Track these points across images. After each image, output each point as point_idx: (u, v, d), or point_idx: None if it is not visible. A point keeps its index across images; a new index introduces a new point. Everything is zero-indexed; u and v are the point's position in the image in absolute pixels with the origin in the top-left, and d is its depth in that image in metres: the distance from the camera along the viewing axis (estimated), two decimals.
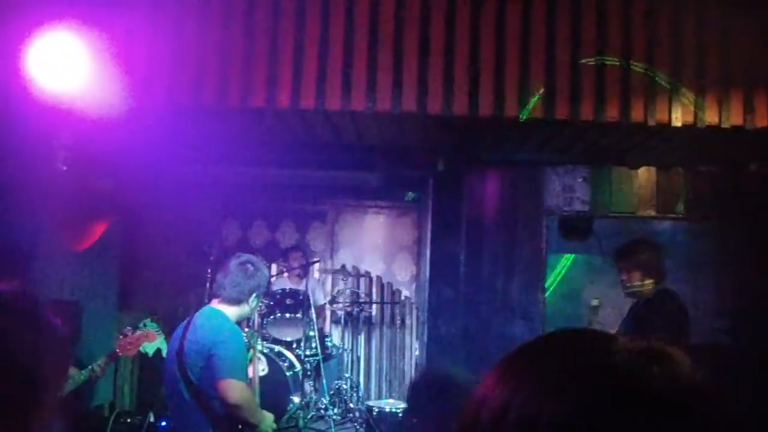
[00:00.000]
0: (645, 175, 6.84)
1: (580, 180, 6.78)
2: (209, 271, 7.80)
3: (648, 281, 4.99)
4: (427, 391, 3.54)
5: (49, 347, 1.29)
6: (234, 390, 3.74)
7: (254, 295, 4.08)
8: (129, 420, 6.55)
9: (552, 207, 6.77)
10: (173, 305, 8.34)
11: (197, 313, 4.14)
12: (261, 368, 4.74)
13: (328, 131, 6.04)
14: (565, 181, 6.76)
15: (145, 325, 4.94)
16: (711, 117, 5.33)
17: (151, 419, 6.44)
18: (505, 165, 6.74)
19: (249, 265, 4.10)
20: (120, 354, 4.77)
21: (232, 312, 4.03)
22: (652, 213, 6.87)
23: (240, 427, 3.89)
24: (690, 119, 5.32)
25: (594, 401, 0.74)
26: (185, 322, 4.11)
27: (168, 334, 7.47)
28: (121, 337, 4.81)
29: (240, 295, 4.04)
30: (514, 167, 6.73)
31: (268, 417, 4.13)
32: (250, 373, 4.22)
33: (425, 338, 7.27)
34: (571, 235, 6.98)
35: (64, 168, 6.18)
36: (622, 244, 5.27)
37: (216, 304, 4.07)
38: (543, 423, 0.74)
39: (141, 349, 7.46)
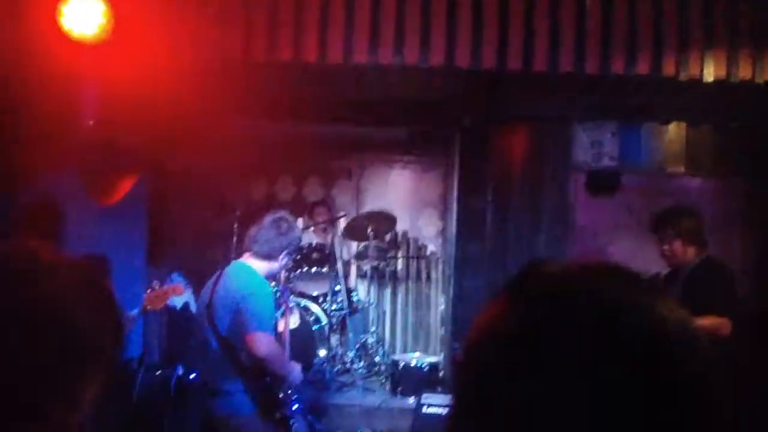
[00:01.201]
0: (675, 131, 6.76)
1: (609, 135, 6.72)
2: (236, 226, 7.84)
3: (690, 249, 4.87)
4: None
5: (110, 318, 1.30)
6: (261, 343, 3.79)
7: (285, 252, 4.11)
8: (158, 372, 6.63)
9: (580, 163, 6.72)
10: (200, 260, 8.40)
11: (227, 267, 4.18)
12: (293, 320, 4.77)
13: (355, 86, 6.01)
14: (594, 136, 6.70)
15: (172, 279, 4.99)
16: (744, 72, 5.23)
17: (180, 372, 6.51)
18: (533, 120, 6.67)
19: (283, 223, 4.13)
20: (148, 307, 4.82)
21: (261, 267, 4.06)
22: (681, 170, 6.81)
23: (269, 379, 3.94)
24: (722, 74, 5.22)
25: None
26: (215, 275, 4.15)
27: (195, 289, 7.59)
28: (148, 290, 4.85)
29: (271, 251, 4.07)
30: (542, 122, 6.66)
31: (297, 369, 4.18)
32: (281, 326, 4.27)
33: (451, 293, 7.30)
34: (598, 192, 6.93)
35: (91, 123, 6.21)
36: (661, 212, 5.11)
37: (246, 259, 4.11)
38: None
39: (168, 302, 7.56)
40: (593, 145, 6.69)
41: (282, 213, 4.28)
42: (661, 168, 6.86)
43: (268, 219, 4.15)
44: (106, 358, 1.27)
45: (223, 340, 3.90)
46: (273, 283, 4.86)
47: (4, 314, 1.14)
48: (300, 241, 4.38)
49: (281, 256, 4.10)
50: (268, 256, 4.07)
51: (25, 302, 1.16)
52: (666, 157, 6.87)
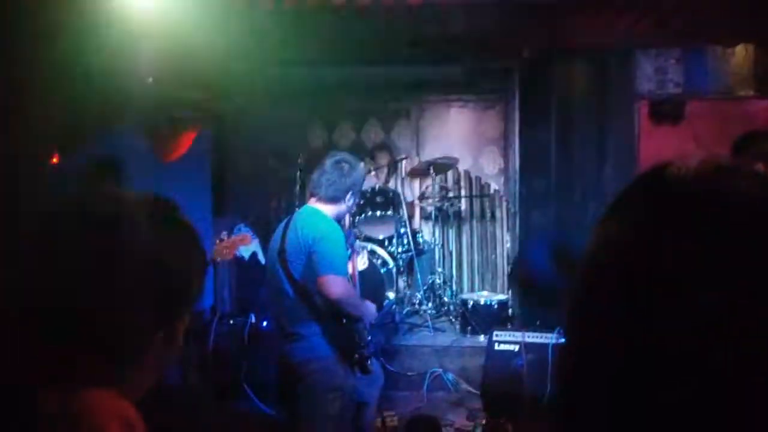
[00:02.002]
0: (742, 53, 6.54)
1: (672, 62, 6.54)
2: (298, 174, 7.88)
3: None
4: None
5: (196, 257, 1.31)
6: (335, 285, 3.81)
7: (350, 193, 4.11)
8: (231, 322, 6.76)
9: (644, 91, 6.56)
10: (265, 210, 8.49)
11: (296, 213, 4.21)
12: (361, 262, 4.79)
13: (411, 24, 5.93)
14: (657, 63, 6.53)
15: (240, 230, 5.03)
16: None
17: (253, 320, 6.63)
18: (594, 49, 6.52)
19: (344, 164, 4.12)
20: (218, 258, 4.88)
21: (329, 210, 4.07)
22: (750, 93, 6.60)
23: (344, 321, 3.98)
24: None
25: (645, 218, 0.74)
26: (285, 221, 4.18)
27: (261, 238, 7.67)
28: (217, 241, 4.91)
29: (336, 193, 4.07)
30: (604, 52, 6.50)
31: (371, 308, 4.21)
32: (350, 268, 4.28)
33: (517, 230, 7.26)
34: (662, 120, 6.77)
35: (151, 80, 6.25)
36: (742, 135, 4.93)
37: (314, 203, 4.12)
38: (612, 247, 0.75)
39: (237, 252, 7.66)
40: (657, 72, 6.53)
41: (342, 154, 4.27)
42: (728, 92, 6.66)
43: (329, 162, 4.14)
44: (192, 297, 1.29)
45: (298, 285, 3.94)
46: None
47: (100, 256, 1.16)
48: (364, 180, 4.37)
49: (347, 197, 4.10)
50: (334, 199, 4.08)
51: (120, 244, 1.18)
52: (733, 81, 6.66)
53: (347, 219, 7.03)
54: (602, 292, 0.75)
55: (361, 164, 4.34)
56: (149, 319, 1.21)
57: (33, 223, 1.23)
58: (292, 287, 3.96)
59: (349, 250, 4.47)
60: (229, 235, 4.99)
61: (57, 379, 1.13)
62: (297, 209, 4.39)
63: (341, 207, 4.13)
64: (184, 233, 1.29)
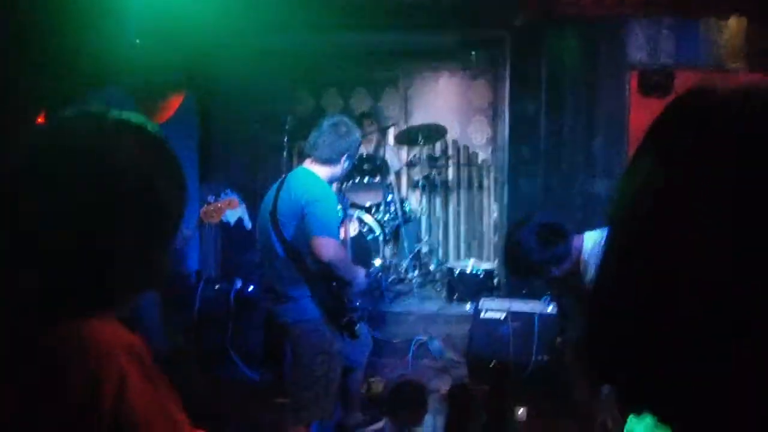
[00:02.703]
0: (734, 26, 6.52)
1: (664, 32, 6.51)
2: (285, 140, 7.84)
3: None
4: None
5: (179, 182, 1.30)
6: (327, 247, 3.80)
7: (345, 155, 4.09)
8: (217, 286, 6.74)
9: (634, 61, 6.54)
10: (252, 175, 8.44)
11: (290, 173, 4.18)
12: (352, 228, 4.79)
13: None
14: (649, 33, 6.50)
15: (227, 194, 5.00)
16: None
17: (239, 285, 6.61)
18: (586, 18, 6.48)
19: (342, 126, 4.10)
20: (204, 220, 4.85)
21: (323, 172, 4.05)
22: (741, 66, 6.58)
23: (334, 284, 3.97)
24: None
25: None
26: (278, 182, 4.16)
27: (248, 203, 7.64)
28: (204, 204, 4.88)
29: (332, 155, 4.05)
30: (596, 20, 6.47)
31: (362, 272, 4.21)
32: (342, 233, 4.27)
33: (505, 199, 7.26)
34: (651, 92, 6.76)
35: (138, 41, 6.18)
36: None
37: (308, 165, 4.10)
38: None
39: (223, 218, 7.62)
40: (648, 42, 6.50)
41: (339, 117, 4.26)
42: (719, 65, 6.64)
43: (326, 123, 4.12)
44: (179, 217, 1.28)
45: (289, 246, 3.92)
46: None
47: (87, 179, 1.15)
48: (359, 143, 4.34)
49: (342, 160, 4.08)
50: (329, 161, 4.05)
51: (110, 168, 1.18)
52: (725, 54, 6.64)
53: (335, 186, 7.02)
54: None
55: (358, 129, 4.32)
56: (143, 240, 1.21)
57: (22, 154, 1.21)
58: (283, 248, 3.95)
59: (342, 215, 4.46)
60: (216, 199, 4.95)
61: (56, 311, 1.11)
62: (284, 174, 4.36)
63: (336, 169, 4.10)
64: (166, 156, 1.29)
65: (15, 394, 1.09)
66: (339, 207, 4.27)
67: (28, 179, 1.15)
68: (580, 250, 3.60)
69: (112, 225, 1.16)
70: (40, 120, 5.24)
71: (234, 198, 4.97)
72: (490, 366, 5.39)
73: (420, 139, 7.76)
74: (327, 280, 3.94)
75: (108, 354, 1.10)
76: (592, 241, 3.61)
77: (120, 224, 1.17)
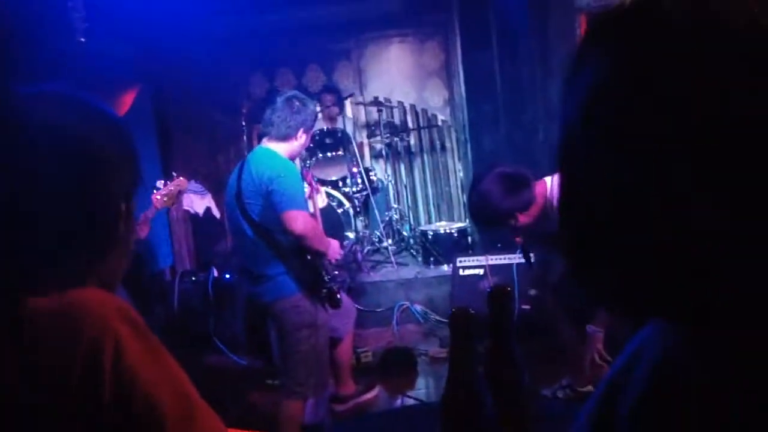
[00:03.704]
0: None
1: None
2: (243, 124, 7.79)
3: None
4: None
5: (128, 148, 1.29)
6: (297, 220, 3.78)
7: (302, 129, 4.06)
8: (194, 278, 6.71)
9: (582, 4, 6.53)
10: (214, 163, 8.38)
11: (249, 155, 4.15)
12: (320, 200, 4.77)
13: None
14: None
15: (174, 175, 4.93)
16: None
17: (215, 274, 6.59)
18: None
19: (295, 101, 4.07)
20: (158, 207, 4.79)
21: (282, 149, 4.02)
22: None
23: (309, 257, 3.95)
24: None
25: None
26: (238, 165, 4.13)
27: (213, 192, 7.59)
28: (154, 191, 4.82)
29: (288, 131, 4.02)
30: None
31: (335, 243, 4.20)
32: (311, 207, 4.26)
33: (469, 157, 7.28)
34: None
35: (83, 40, 6.08)
36: None
37: (266, 143, 4.07)
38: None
39: (190, 208, 7.56)
40: None
41: (293, 92, 4.22)
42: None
43: (279, 99, 4.09)
44: (130, 184, 1.28)
45: (258, 226, 3.90)
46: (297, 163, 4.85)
47: (39, 144, 1.14)
48: (315, 116, 4.31)
49: (299, 134, 4.05)
50: (286, 137, 4.02)
51: (56, 133, 1.16)
52: None
53: (297, 163, 6.99)
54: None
55: (312, 101, 4.29)
56: (110, 197, 1.22)
57: None
58: (252, 229, 3.93)
59: (308, 188, 4.44)
60: (164, 184, 4.89)
61: (37, 285, 1.10)
62: (243, 159, 4.33)
63: (293, 144, 4.07)
64: (108, 120, 1.27)
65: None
66: (305, 183, 4.25)
67: None
68: (544, 195, 3.63)
69: (76, 188, 1.16)
70: None
71: (182, 178, 4.91)
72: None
73: (377, 108, 7.75)
74: (301, 254, 3.92)
75: (103, 317, 1.07)
76: (554, 184, 3.63)
77: (83, 186, 1.17)
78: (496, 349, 1.46)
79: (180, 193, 4.92)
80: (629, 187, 0.67)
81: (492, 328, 1.47)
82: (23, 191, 1.11)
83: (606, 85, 0.71)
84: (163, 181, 4.86)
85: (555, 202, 3.24)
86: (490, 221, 3.79)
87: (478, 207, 3.68)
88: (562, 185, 0.78)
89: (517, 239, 3.91)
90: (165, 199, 4.75)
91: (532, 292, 5.39)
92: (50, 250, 1.13)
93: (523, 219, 3.61)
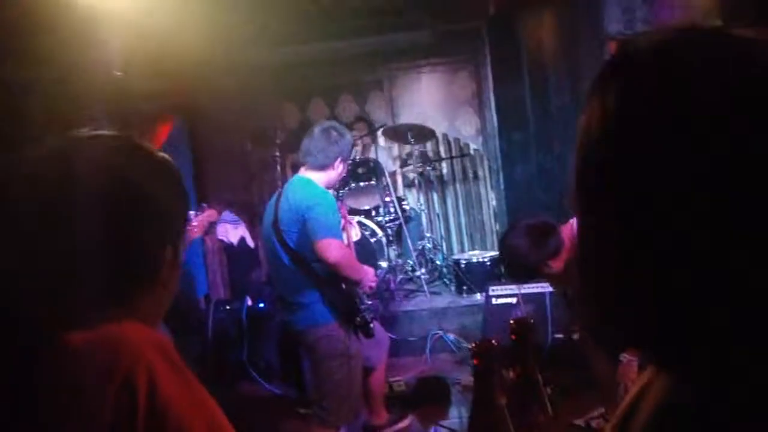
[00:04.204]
0: None
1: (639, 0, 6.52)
2: (277, 155, 7.87)
3: None
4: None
5: (182, 197, 1.34)
6: (331, 248, 3.83)
7: (339, 159, 4.13)
8: (228, 307, 6.75)
9: (612, 32, 6.55)
10: (247, 193, 8.48)
11: (287, 183, 4.23)
12: (355, 232, 4.82)
13: None
14: (625, 3, 6.51)
15: (203, 206, 4.97)
16: None
17: (249, 303, 6.63)
18: None
19: (332, 131, 4.14)
20: (189, 239, 4.82)
21: (319, 178, 4.09)
22: (717, 23, 6.61)
23: (343, 286, 4.00)
24: None
25: None
26: (276, 194, 4.20)
27: (247, 222, 7.66)
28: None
29: (325, 161, 4.09)
30: None
31: (370, 271, 4.24)
32: (345, 239, 4.30)
33: (501, 185, 7.29)
34: None
35: (119, 74, 6.21)
36: None
37: (303, 173, 4.15)
38: None
39: (224, 238, 7.62)
40: (625, 12, 6.51)
41: (330, 123, 4.32)
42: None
43: (317, 130, 4.17)
44: (177, 228, 1.33)
45: (294, 254, 3.96)
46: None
47: (89, 188, 1.18)
48: (352, 146, 4.38)
49: (336, 164, 4.12)
50: (323, 166, 4.10)
51: (112, 181, 1.21)
52: (699, 16, 6.67)
53: (332, 193, 7.05)
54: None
55: (349, 132, 4.37)
56: (157, 243, 1.26)
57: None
58: (288, 257, 3.98)
59: (342, 221, 4.49)
60: (195, 214, 4.94)
61: (77, 321, 1.13)
62: (280, 187, 4.41)
63: (331, 174, 4.14)
64: (162, 165, 1.32)
65: (35, 415, 1.10)
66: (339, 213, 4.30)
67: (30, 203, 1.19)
68: (571, 237, 3.65)
69: (125, 234, 1.20)
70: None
71: (212, 210, 4.96)
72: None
73: (410, 138, 7.78)
74: (336, 283, 3.97)
75: (138, 350, 1.10)
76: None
77: (131, 232, 1.21)
78: (518, 379, 1.48)
79: (211, 224, 4.97)
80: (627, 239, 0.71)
81: (515, 359, 1.49)
82: (67, 229, 1.16)
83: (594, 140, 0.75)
84: (193, 213, 4.93)
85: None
86: (525, 274, 3.82)
87: (510, 263, 3.74)
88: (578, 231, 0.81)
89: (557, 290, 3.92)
90: (195, 229, 4.80)
91: (576, 336, 5.38)
92: (89, 289, 1.17)
93: (556, 265, 3.63)
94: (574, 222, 3.68)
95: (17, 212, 1.19)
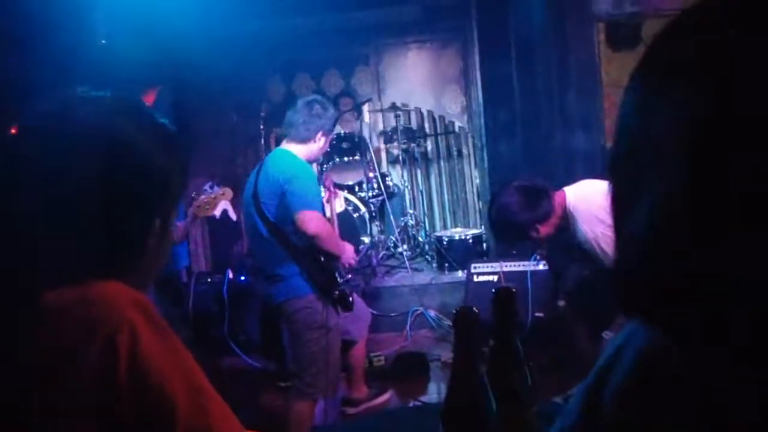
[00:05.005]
0: None
1: None
2: (261, 128, 7.83)
3: None
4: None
5: (178, 157, 1.31)
6: (311, 221, 3.81)
7: (321, 132, 4.10)
8: (209, 280, 6.73)
9: (601, 12, 6.53)
10: (232, 165, 8.43)
11: (267, 156, 4.21)
12: (339, 204, 4.81)
13: None
14: None
15: (207, 189, 4.92)
16: None
17: (230, 276, 6.62)
18: None
19: (316, 105, 4.12)
20: (198, 215, 4.78)
21: (300, 151, 4.07)
22: None
23: (322, 259, 3.98)
24: None
25: None
26: (257, 166, 4.18)
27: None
28: (199, 198, 4.80)
29: (307, 133, 4.07)
30: None
31: (349, 248, 4.24)
32: (328, 211, 4.29)
33: (485, 163, 7.28)
34: (620, 46, 6.74)
35: (103, 42, 6.14)
36: None
37: (285, 145, 4.13)
38: None
39: (217, 209, 7.58)
40: None
41: (314, 96, 4.30)
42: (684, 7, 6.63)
43: (300, 102, 4.16)
44: (172, 199, 1.30)
45: (273, 226, 3.94)
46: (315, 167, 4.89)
47: (85, 146, 1.17)
48: (335, 120, 4.36)
49: (318, 137, 4.10)
50: (305, 139, 4.07)
51: (105, 138, 1.19)
52: None
53: (315, 167, 7.02)
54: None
55: (333, 106, 4.35)
56: (148, 211, 1.24)
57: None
58: (267, 229, 3.97)
59: (326, 193, 4.48)
60: (197, 195, 4.89)
61: (63, 277, 1.12)
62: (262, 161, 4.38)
63: (312, 147, 4.12)
64: (162, 130, 1.31)
65: (22, 365, 1.10)
66: (323, 187, 4.30)
67: (37, 155, 1.17)
68: (563, 205, 3.65)
69: (115, 196, 1.19)
70: (13, 131, 5.22)
71: (227, 189, 4.90)
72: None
73: (395, 113, 7.77)
74: (314, 256, 3.95)
75: (119, 309, 1.10)
76: (573, 194, 3.66)
77: (122, 196, 1.20)
78: (499, 349, 1.48)
79: (220, 203, 4.90)
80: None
81: (496, 329, 1.49)
82: (54, 187, 1.14)
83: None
84: (209, 184, 4.87)
85: (575, 212, 3.26)
86: (512, 235, 3.83)
87: (498, 221, 3.73)
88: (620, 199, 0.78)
89: (540, 252, 3.93)
90: (207, 206, 4.73)
91: (561, 303, 5.39)
92: (73, 250, 1.16)
93: (544, 230, 3.64)
94: (568, 190, 3.69)
95: (9, 164, 1.18)
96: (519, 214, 3.58)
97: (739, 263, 0.64)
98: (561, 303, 5.39)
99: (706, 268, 0.65)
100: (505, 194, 3.63)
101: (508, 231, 3.80)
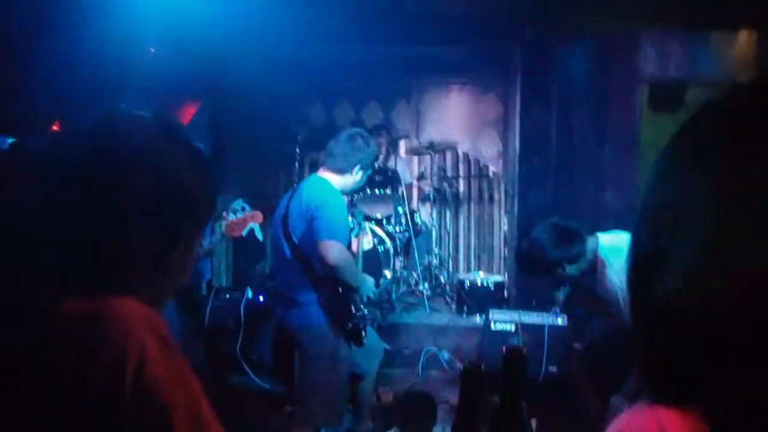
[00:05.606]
0: (745, 38, 6.52)
1: (675, 44, 6.51)
2: (297, 151, 7.88)
3: None
4: None
5: (207, 179, 1.33)
6: (333, 250, 3.83)
7: (359, 166, 4.14)
8: (228, 296, 6.76)
9: (645, 73, 6.54)
10: (263, 186, 8.47)
11: (303, 181, 4.27)
12: (367, 241, 4.83)
13: (413, 3, 5.92)
14: (660, 46, 6.50)
15: (236, 206, 4.96)
16: None
17: (249, 295, 6.63)
18: (596, 31, 6.50)
19: (359, 138, 4.19)
20: (227, 234, 4.83)
21: (335, 180, 4.12)
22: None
23: (340, 289, 3.99)
24: None
25: None
26: (291, 190, 4.23)
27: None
28: (227, 218, 4.84)
29: (345, 165, 4.12)
30: (606, 33, 6.48)
31: (369, 281, 4.24)
32: (355, 246, 4.31)
33: (515, 210, 7.27)
34: (662, 108, 6.74)
35: (153, 50, 6.25)
36: None
37: (321, 173, 4.18)
38: None
39: (245, 230, 7.64)
40: (659, 54, 6.50)
41: (359, 129, 4.38)
42: (730, 79, 6.63)
43: (344, 134, 4.21)
44: (199, 221, 1.31)
45: (297, 249, 3.97)
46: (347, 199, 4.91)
47: (129, 167, 1.18)
48: (374, 158, 4.39)
49: (354, 170, 4.14)
50: (341, 170, 4.12)
51: (135, 155, 1.21)
52: (736, 68, 6.64)
53: (346, 198, 7.05)
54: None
55: (375, 142, 4.39)
56: (172, 231, 1.25)
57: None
58: (291, 251, 4.00)
59: (356, 228, 4.51)
60: (227, 214, 4.93)
61: (80, 290, 1.14)
62: (296, 184, 4.44)
63: (347, 179, 4.16)
64: (197, 155, 1.32)
65: (32, 374, 1.11)
66: (350, 217, 4.31)
67: (73, 171, 1.19)
68: (595, 251, 3.68)
69: (145, 216, 1.21)
70: (54, 128, 5.31)
71: (257, 212, 4.94)
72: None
73: (431, 151, 7.78)
74: (333, 285, 3.96)
75: (127, 326, 1.11)
76: (606, 241, 3.69)
77: (152, 215, 1.21)
78: (503, 409, 1.47)
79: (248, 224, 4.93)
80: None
81: (503, 388, 1.48)
82: (81, 203, 1.16)
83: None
84: (240, 203, 4.91)
85: (607, 259, 3.27)
86: (538, 269, 3.85)
87: (528, 253, 3.78)
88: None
89: (559, 304, 3.94)
90: (236, 227, 4.77)
91: (577, 345, 5.36)
92: (93, 262, 1.17)
93: (571, 271, 3.68)
94: (602, 237, 3.71)
95: (46, 175, 1.20)
96: (549, 251, 3.63)
97: None
98: (577, 346, 5.35)
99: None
100: (540, 229, 3.68)
101: (535, 265, 3.84)
